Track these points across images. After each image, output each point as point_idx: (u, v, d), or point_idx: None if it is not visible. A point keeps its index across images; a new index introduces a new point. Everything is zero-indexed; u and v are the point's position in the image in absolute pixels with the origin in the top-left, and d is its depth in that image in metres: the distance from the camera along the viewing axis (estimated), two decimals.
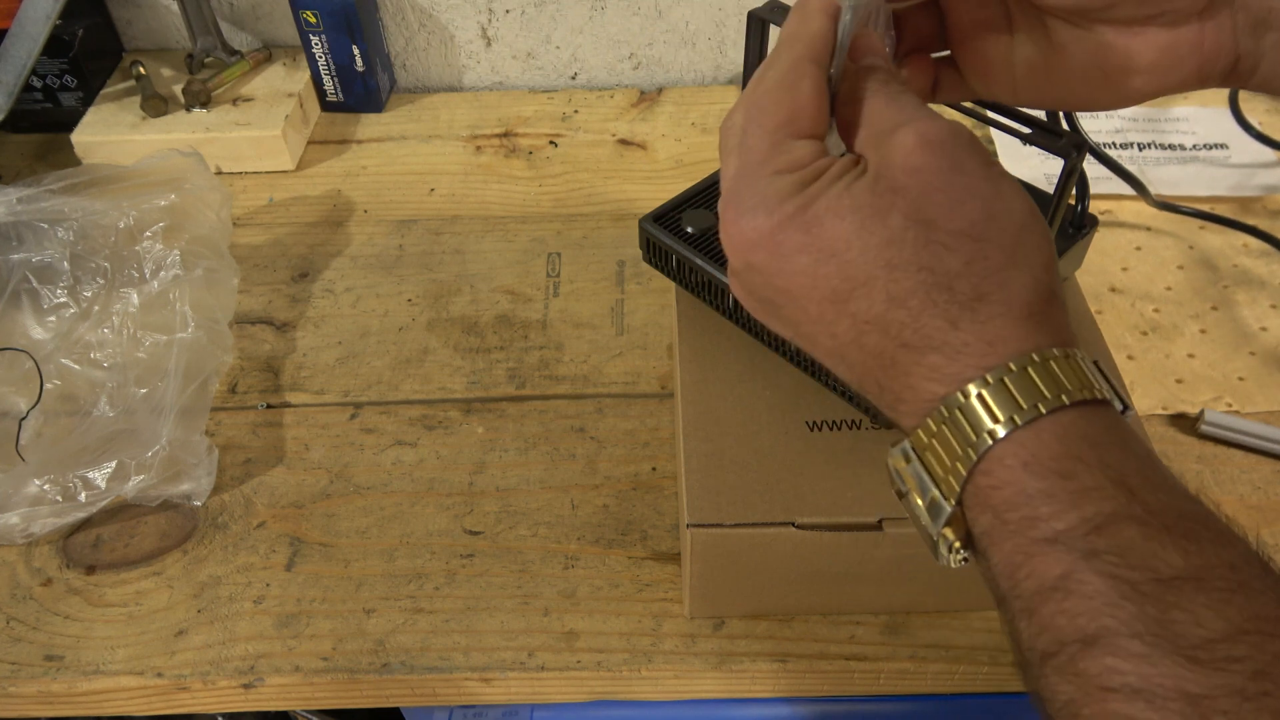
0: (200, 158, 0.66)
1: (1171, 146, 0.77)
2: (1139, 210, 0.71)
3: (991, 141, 0.78)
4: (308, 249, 0.72)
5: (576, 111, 0.84)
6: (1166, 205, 0.69)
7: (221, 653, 0.49)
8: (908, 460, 0.30)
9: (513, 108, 0.85)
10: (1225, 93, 0.79)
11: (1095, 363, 0.30)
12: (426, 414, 0.60)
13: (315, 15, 0.78)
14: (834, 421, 0.48)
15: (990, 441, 0.28)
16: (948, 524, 0.29)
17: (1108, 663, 0.24)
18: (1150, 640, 0.24)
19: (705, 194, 0.55)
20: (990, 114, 0.44)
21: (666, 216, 0.54)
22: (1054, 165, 0.75)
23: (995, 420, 0.28)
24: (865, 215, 0.30)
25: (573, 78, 0.88)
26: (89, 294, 0.62)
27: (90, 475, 0.53)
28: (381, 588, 0.52)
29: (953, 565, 0.30)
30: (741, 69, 0.78)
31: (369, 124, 0.83)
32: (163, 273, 0.61)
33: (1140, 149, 0.77)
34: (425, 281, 0.69)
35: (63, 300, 0.62)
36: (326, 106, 0.84)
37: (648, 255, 0.55)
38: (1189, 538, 0.26)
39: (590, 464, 0.57)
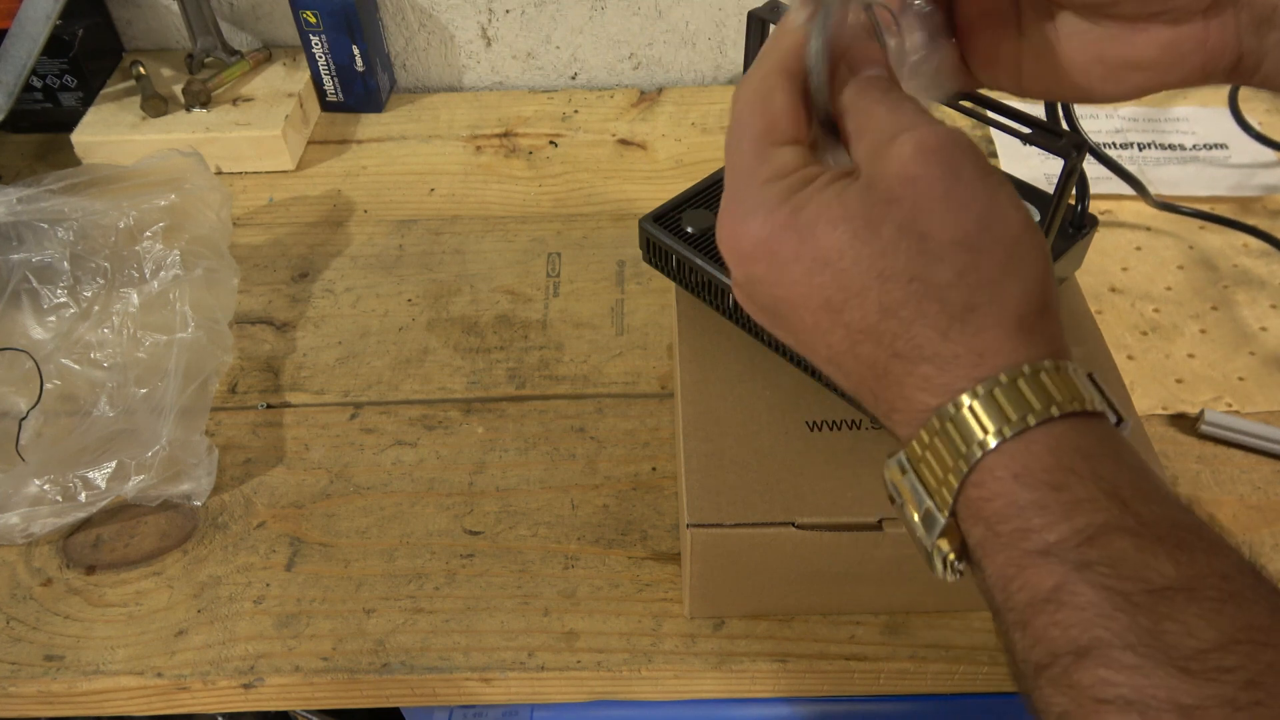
0: (200, 158, 0.66)
1: (1171, 146, 0.77)
2: (1139, 210, 0.71)
3: (991, 141, 0.78)
4: (308, 249, 0.72)
5: (576, 111, 0.84)
6: (1166, 205, 0.69)
7: (221, 653, 0.49)
8: (903, 471, 0.30)
9: (513, 108, 0.85)
10: (1225, 93, 0.79)
11: (1091, 375, 0.30)
12: (426, 414, 0.60)
13: (315, 15, 0.78)
14: (834, 421, 0.48)
15: (980, 453, 0.28)
16: (942, 535, 0.29)
17: (1101, 674, 0.25)
18: (1143, 651, 0.24)
19: (705, 194, 0.55)
20: (990, 114, 0.44)
21: (666, 216, 0.54)
22: (1054, 165, 0.75)
23: (985, 431, 0.28)
24: (858, 226, 0.30)
25: (573, 78, 0.89)
26: (89, 294, 0.62)
27: (90, 475, 0.53)
28: (381, 588, 0.52)
29: (948, 579, 0.30)
30: (741, 69, 0.78)
31: (369, 124, 0.83)
32: (163, 273, 0.61)
33: (1140, 149, 0.77)
34: (425, 281, 0.69)
35: (63, 300, 0.62)
36: (326, 106, 0.84)
37: (648, 255, 0.55)
38: (1181, 548, 0.26)
39: (590, 464, 0.57)
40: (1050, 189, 0.49)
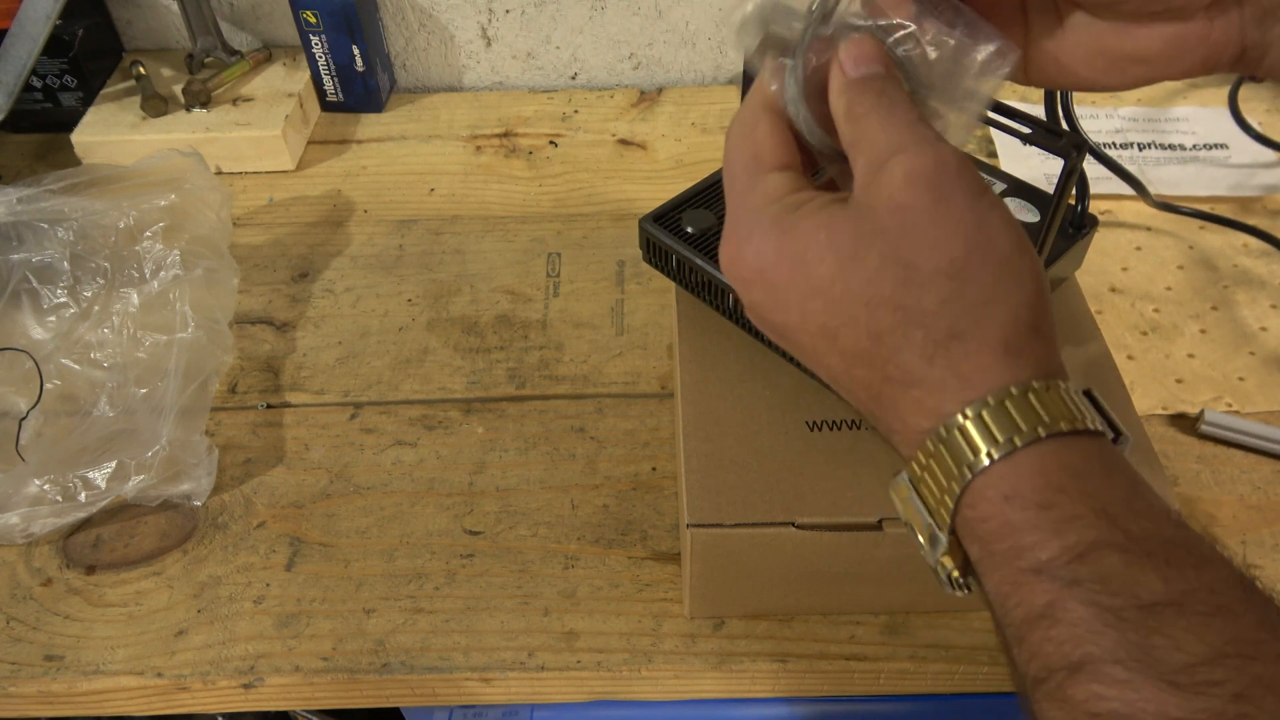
0: (200, 158, 0.66)
1: (1171, 146, 0.77)
2: (1139, 210, 0.71)
3: (991, 141, 0.78)
4: (308, 249, 0.72)
5: (576, 111, 0.84)
6: (1166, 205, 0.69)
7: (221, 653, 0.49)
8: (907, 490, 0.31)
9: (513, 108, 0.85)
10: (1225, 93, 0.79)
11: (1089, 391, 0.30)
12: (426, 414, 0.60)
13: (315, 15, 0.78)
14: (834, 421, 0.48)
15: (970, 475, 0.28)
16: (946, 553, 0.30)
17: (1093, 689, 0.25)
18: (1132, 666, 0.25)
19: (705, 194, 0.55)
20: (990, 114, 0.44)
21: (666, 216, 0.54)
22: (1054, 165, 0.75)
23: (975, 454, 0.28)
24: (844, 256, 0.31)
25: (573, 78, 0.89)
26: (89, 294, 0.62)
27: (90, 475, 0.53)
28: (381, 588, 0.52)
29: (958, 595, 0.31)
30: (741, 69, 0.78)
31: (369, 124, 0.83)
32: (163, 273, 0.61)
33: (1140, 149, 0.77)
34: (425, 281, 0.69)
35: (63, 300, 0.62)
36: (326, 106, 0.84)
37: (648, 255, 0.55)
38: (1170, 563, 0.26)
39: (590, 464, 0.57)
40: (1050, 189, 0.49)
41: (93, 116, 0.78)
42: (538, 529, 0.54)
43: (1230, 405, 0.59)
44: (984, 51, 0.34)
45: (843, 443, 0.47)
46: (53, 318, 0.62)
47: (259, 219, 0.74)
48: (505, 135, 0.82)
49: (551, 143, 0.81)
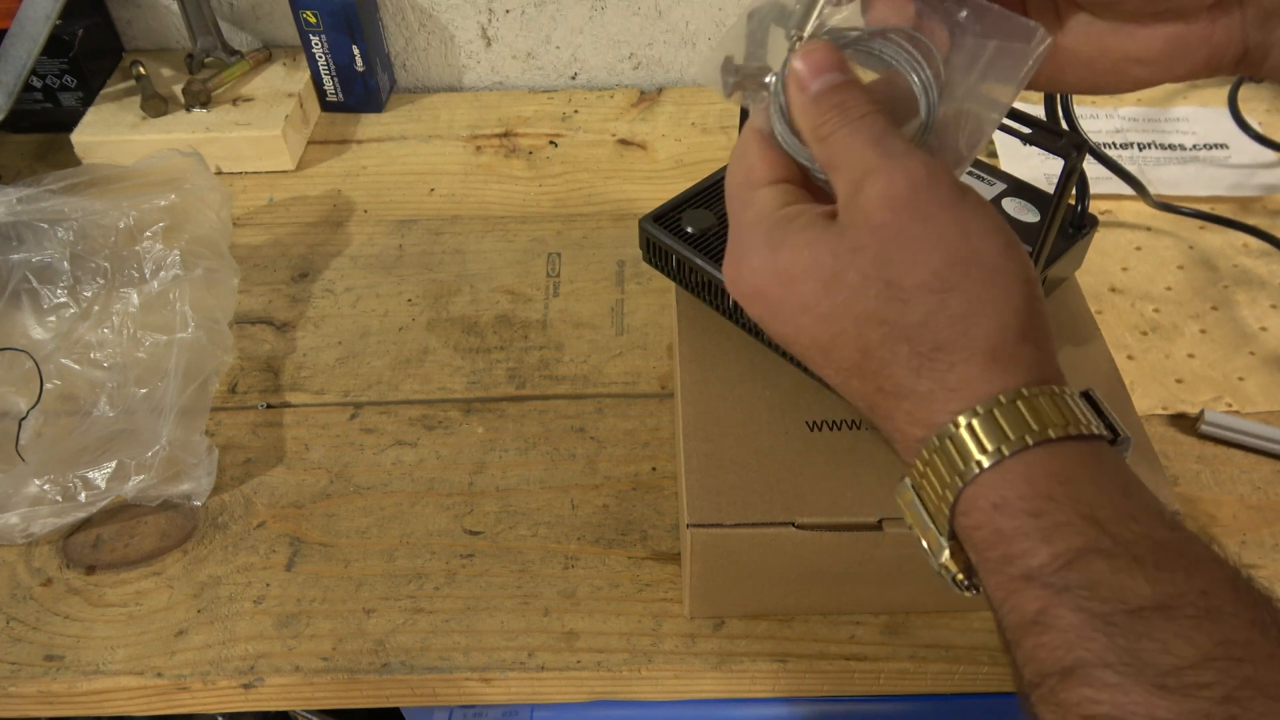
0: (200, 158, 0.66)
1: (1171, 146, 0.77)
2: (1139, 210, 0.71)
3: (991, 141, 0.78)
4: (308, 249, 0.72)
5: (576, 111, 0.84)
6: (1166, 205, 0.69)
7: (221, 653, 0.49)
8: (910, 495, 0.32)
9: (513, 108, 0.85)
10: (1225, 93, 0.79)
11: (1087, 393, 0.30)
12: (426, 414, 0.60)
13: (315, 15, 0.78)
14: (834, 421, 0.48)
15: (962, 484, 0.29)
16: (949, 557, 0.31)
17: (1084, 693, 0.25)
18: (1121, 670, 0.25)
19: (705, 194, 0.55)
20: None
21: (666, 216, 0.54)
22: (1054, 165, 0.75)
23: (966, 463, 0.29)
24: (827, 276, 0.31)
25: (573, 78, 0.89)
26: (89, 294, 0.62)
27: (90, 475, 0.53)
28: (381, 588, 0.52)
29: (966, 596, 0.31)
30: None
31: (369, 124, 0.83)
32: (163, 273, 0.61)
33: (1140, 149, 0.77)
34: (425, 281, 0.69)
35: (63, 300, 0.62)
36: (326, 106, 0.84)
37: (648, 255, 0.55)
38: (1161, 566, 0.26)
39: (590, 464, 0.57)
40: (1050, 189, 0.49)
41: (93, 116, 0.78)
42: (538, 529, 0.54)
43: (1230, 405, 0.59)
44: (1011, 40, 0.33)
45: (843, 443, 0.47)
46: (53, 318, 0.62)
47: (259, 219, 0.74)
48: (505, 135, 0.82)
49: (551, 143, 0.81)
